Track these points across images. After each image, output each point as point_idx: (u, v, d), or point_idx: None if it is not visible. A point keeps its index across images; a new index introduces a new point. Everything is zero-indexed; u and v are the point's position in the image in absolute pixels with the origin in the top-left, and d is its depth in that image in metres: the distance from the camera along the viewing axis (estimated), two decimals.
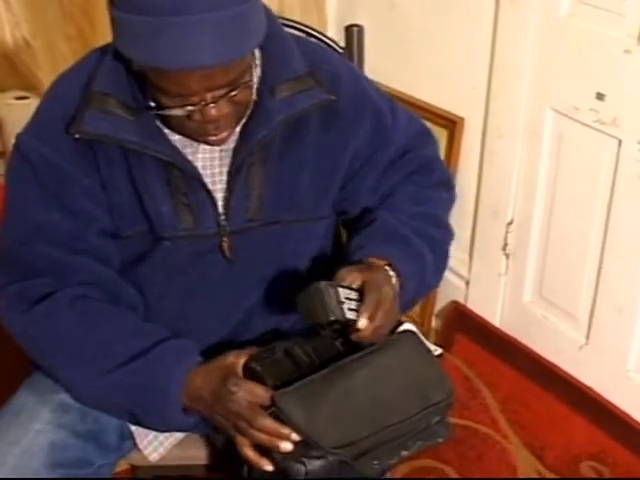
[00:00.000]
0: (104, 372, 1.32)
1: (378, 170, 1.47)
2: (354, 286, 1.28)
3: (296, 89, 1.35)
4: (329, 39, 1.72)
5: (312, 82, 1.36)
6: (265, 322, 1.48)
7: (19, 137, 1.38)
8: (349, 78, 1.45)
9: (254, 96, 1.33)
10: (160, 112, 1.27)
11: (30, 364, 1.49)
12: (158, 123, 1.33)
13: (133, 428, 1.46)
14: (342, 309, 1.25)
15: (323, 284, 1.25)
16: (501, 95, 2.21)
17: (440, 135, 2.36)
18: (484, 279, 2.43)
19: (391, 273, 1.34)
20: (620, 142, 1.96)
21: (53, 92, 1.39)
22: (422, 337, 1.43)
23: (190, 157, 1.35)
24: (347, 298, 1.27)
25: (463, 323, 2.49)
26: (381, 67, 2.31)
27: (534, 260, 2.29)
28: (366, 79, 1.52)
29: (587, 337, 2.20)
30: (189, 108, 1.23)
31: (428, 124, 2.35)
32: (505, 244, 2.33)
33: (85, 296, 1.36)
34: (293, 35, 1.43)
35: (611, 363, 2.14)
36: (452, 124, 2.35)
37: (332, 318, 1.24)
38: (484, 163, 2.32)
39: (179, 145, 1.35)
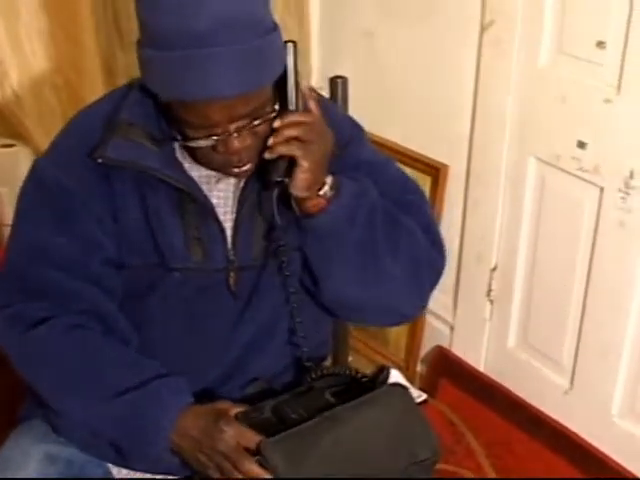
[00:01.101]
0: (96, 400, 1.33)
1: None
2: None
3: None
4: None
5: None
6: (261, 363, 1.48)
7: (37, 162, 1.42)
8: (348, 129, 1.49)
9: None
10: (186, 143, 1.32)
11: (19, 412, 1.51)
12: (178, 156, 1.38)
13: (117, 477, 1.46)
14: None
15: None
16: (484, 143, 2.24)
17: (424, 182, 2.39)
18: (469, 324, 2.44)
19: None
20: (602, 189, 2.00)
21: (76, 121, 1.44)
22: (408, 384, 1.43)
23: (206, 193, 1.39)
24: None
25: (448, 368, 2.50)
26: (364, 114, 2.32)
27: (518, 306, 2.31)
28: (365, 137, 1.54)
29: (571, 382, 2.21)
30: (213, 139, 1.28)
31: (412, 171, 2.41)
32: (489, 290, 2.35)
33: (82, 326, 1.37)
34: None
35: (596, 408, 2.15)
36: (436, 171, 2.38)
37: None
38: (468, 209, 2.34)
39: (197, 181, 1.39)
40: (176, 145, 1.38)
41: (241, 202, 1.40)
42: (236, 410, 1.30)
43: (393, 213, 1.42)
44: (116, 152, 1.34)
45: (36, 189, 1.40)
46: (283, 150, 1.30)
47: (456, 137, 2.32)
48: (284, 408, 1.33)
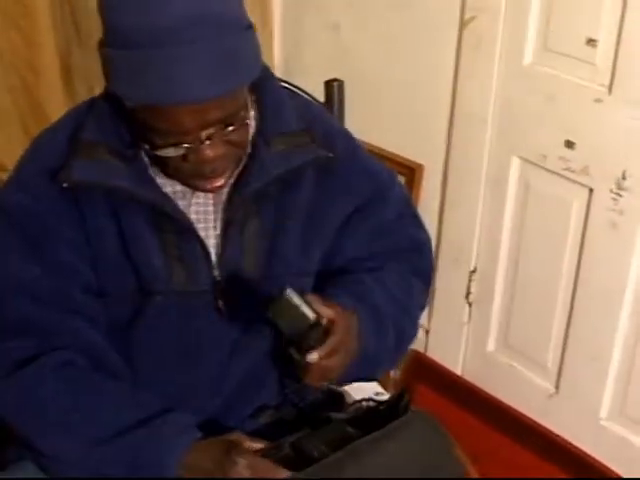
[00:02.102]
0: (93, 443, 1.23)
1: (366, 229, 1.42)
2: (323, 321, 1.20)
3: (292, 143, 1.32)
4: (306, 93, 1.64)
5: (308, 139, 1.33)
6: (265, 391, 1.39)
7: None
8: (342, 138, 1.42)
9: (249, 147, 1.29)
10: (155, 153, 1.21)
11: (7, 454, 1.37)
12: (150, 172, 1.28)
13: None
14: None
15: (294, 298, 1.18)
16: (463, 142, 2.18)
17: None
18: (446, 328, 2.38)
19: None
20: (591, 191, 1.95)
21: (39, 142, 1.34)
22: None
23: (183, 209, 1.29)
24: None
25: (423, 373, 2.44)
26: None
27: (499, 309, 2.25)
28: (357, 141, 1.47)
29: (557, 386, 2.17)
30: (184, 146, 1.18)
31: None
32: (468, 292, 2.29)
33: (71, 362, 1.27)
34: (285, 89, 1.38)
35: (583, 412, 2.11)
36: (410, 171, 2.30)
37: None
38: (445, 211, 2.28)
39: (172, 197, 1.29)
40: (147, 160, 1.28)
41: (227, 219, 1.31)
42: (249, 443, 1.22)
43: (400, 318, 1.40)
44: (81, 174, 1.24)
45: (1, 218, 1.29)
46: (319, 384, 1.25)
47: (432, 136, 2.25)
48: (304, 444, 1.25)
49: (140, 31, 1.12)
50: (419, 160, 2.30)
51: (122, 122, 1.26)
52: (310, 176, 1.35)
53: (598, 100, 1.87)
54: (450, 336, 2.37)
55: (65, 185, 1.24)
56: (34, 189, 1.28)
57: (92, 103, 1.32)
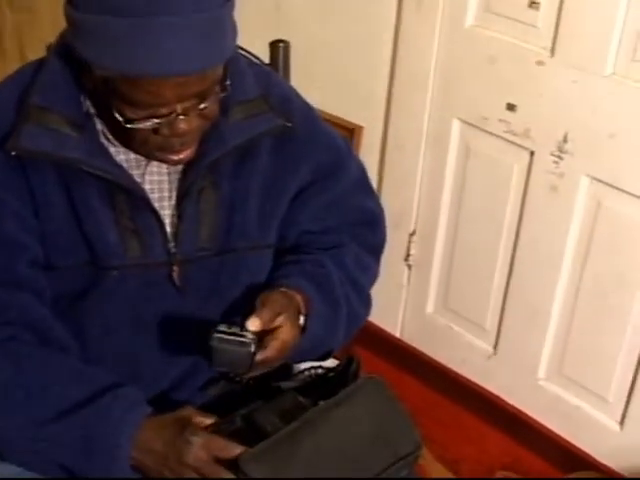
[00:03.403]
0: (40, 422, 1.18)
1: (323, 200, 1.40)
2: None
3: (249, 112, 1.29)
4: (250, 54, 1.60)
5: (265, 106, 1.30)
6: None
7: None
8: (300, 105, 1.39)
9: None
10: (129, 126, 1.14)
11: None
12: (103, 140, 1.23)
13: None
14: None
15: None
16: (403, 104, 2.16)
17: None
18: (385, 290, 2.36)
19: (301, 319, 1.28)
20: (532, 153, 1.96)
21: None
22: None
23: (137, 179, 1.25)
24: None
25: (362, 336, 2.43)
26: None
27: (438, 271, 2.26)
28: (315, 110, 1.45)
29: (495, 347, 2.19)
30: (156, 121, 1.14)
31: None
32: (407, 255, 2.29)
33: (14, 338, 1.22)
34: (244, 56, 1.34)
35: (521, 372, 2.14)
36: (350, 132, 2.28)
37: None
38: (385, 173, 2.27)
39: (125, 166, 1.24)
40: (99, 127, 1.23)
41: (182, 190, 1.27)
42: (200, 418, 1.19)
43: (356, 303, 1.41)
44: (32, 142, 1.18)
45: None
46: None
47: (372, 98, 2.23)
48: (256, 416, 1.23)
49: None
50: (358, 122, 2.28)
51: (77, 88, 1.20)
52: (267, 145, 1.33)
53: (540, 63, 1.87)
54: (389, 298, 2.37)
55: (13, 153, 1.18)
56: None
57: (40, 65, 1.24)
